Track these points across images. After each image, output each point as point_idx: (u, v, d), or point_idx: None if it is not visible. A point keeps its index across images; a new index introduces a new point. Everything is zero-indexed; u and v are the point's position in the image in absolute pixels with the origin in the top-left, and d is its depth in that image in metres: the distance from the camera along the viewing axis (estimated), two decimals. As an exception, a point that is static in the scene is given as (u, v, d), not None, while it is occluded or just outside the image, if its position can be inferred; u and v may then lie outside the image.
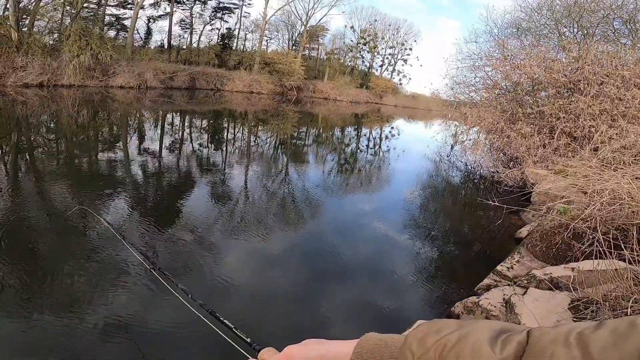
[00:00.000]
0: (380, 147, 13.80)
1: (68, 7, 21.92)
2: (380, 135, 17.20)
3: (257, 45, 32.21)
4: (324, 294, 3.51)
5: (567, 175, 5.56)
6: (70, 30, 19.52)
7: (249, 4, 33.85)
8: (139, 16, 27.17)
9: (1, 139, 8.67)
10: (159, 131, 12.09)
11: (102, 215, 4.33)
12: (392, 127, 21.16)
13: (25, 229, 4.19)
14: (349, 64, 39.39)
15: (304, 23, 34.22)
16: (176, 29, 31.75)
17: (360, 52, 39.18)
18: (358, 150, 12.47)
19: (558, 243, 3.84)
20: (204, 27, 32.61)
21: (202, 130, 13.20)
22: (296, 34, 36.53)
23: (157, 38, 31.63)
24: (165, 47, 30.67)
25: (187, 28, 32.32)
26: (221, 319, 0.68)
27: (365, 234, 5.14)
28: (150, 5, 29.36)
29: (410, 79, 42.65)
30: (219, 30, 33.42)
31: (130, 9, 27.45)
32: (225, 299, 3.18)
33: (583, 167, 5.19)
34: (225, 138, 12.10)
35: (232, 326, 0.66)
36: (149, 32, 30.74)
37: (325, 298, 3.44)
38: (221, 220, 5.00)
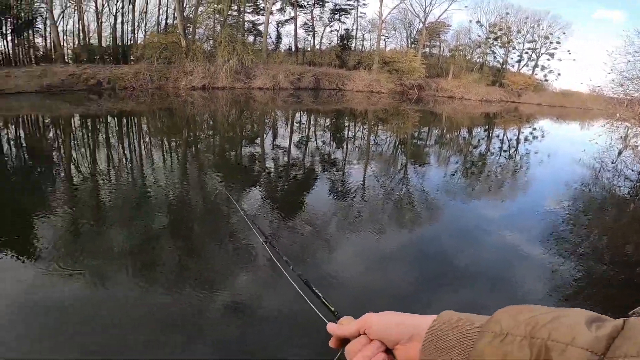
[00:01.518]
0: (517, 150, 12.04)
1: (217, 15, 26.08)
2: (518, 137, 14.99)
3: (375, 44, 32.34)
4: (431, 298, 3.36)
5: None
6: (221, 37, 23.20)
7: (364, 4, 34.19)
8: (269, 21, 30.58)
9: (177, 134, 11.07)
10: (289, 129, 13.37)
11: (235, 195, 5.18)
12: (534, 128, 18.19)
13: (180, 205, 5.29)
14: (477, 60, 35.86)
15: (422, 20, 32.66)
16: (301, 32, 34.48)
17: (490, 47, 35.28)
18: (488, 153, 11.18)
19: None
20: (324, 29, 34.58)
21: (325, 129, 14.01)
22: (414, 32, 35.29)
23: (286, 41, 35.00)
24: (293, 49, 33.80)
25: (309, 31, 34.82)
26: (313, 288, 0.73)
27: (489, 241, 4.65)
28: (277, 10, 32.70)
29: (559, 74, 36.02)
30: (338, 31, 34.97)
31: (263, 15, 31.17)
32: (327, 280, 3.35)
33: None
34: (347, 136, 12.54)
35: (321, 295, 0.70)
36: (279, 36, 34.33)
37: (432, 302, 3.28)
38: (337, 213, 5.26)
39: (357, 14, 34.22)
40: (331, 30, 34.92)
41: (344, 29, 35.15)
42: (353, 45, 35.36)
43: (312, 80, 26.80)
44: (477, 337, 0.42)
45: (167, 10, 27.88)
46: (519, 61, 36.27)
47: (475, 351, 0.41)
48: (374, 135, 13.01)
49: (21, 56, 24.22)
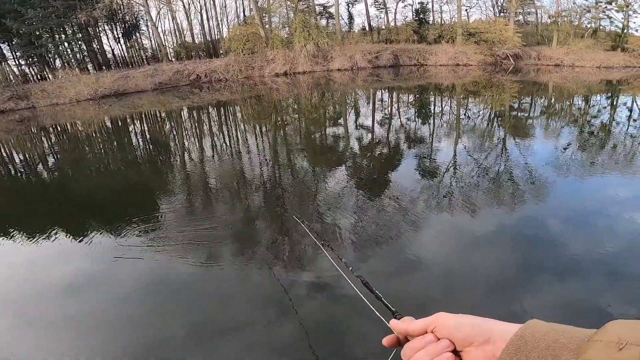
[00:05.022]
0: (651, 119, 9.99)
1: (288, 2, 26.47)
2: (653, 103, 12.38)
3: (456, 16, 29.43)
4: (530, 292, 3.04)
5: None
6: (295, 24, 23.67)
7: (438, -26, 31.13)
8: (339, 2, 29.84)
9: (266, 119, 11.85)
10: (371, 107, 13.21)
11: (312, 187, 5.35)
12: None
13: (270, 188, 5.69)
14: (588, 25, 30.20)
15: (510, -15, 28.38)
16: (372, 10, 33.04)
17: (603, 12, 29.29)
18: (612, 122, 9.49)
19: None
20: (396, 5, 32.56)
21: (409, 105, 13.47)
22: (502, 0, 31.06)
23: (358, 21, 33.97)
24: (367, 29, 32.70)
25: (381, 8, 33.17)
26: (372, 289, 0.72)
27: (611, 226, 4.02)
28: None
29: None
30: (412, 5, 32.61)
31: (334, -4, 30.60)
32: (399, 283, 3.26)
33: None
34: (433, 112, 11.89)
35: (381, 296, 0.69)
36: (350, 17, 33.54)
37: (532, 297, 2.97)
38: (423, 196, 5.08)
39: (431, -15, 31.55)
40: (405, 5, 32.94)
41: (419, 3, 32.79)
42: (431, 18, 32.88)
43: (391, 58, 25.81)
44: (586, 347, 0.40)
45: (243, 3, 29.48)
46: None
47: (584, 359, 0.39)
48: (464, 109, 12.06)
49: (134, 58, 28.34)
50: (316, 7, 30.47)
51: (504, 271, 3.37)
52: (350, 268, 0.89)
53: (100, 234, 4.43)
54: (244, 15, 29.45)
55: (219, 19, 29.62)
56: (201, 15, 29.05)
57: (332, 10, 31.16)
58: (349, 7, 33.07)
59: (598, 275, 3.24)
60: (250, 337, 2.72)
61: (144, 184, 6.56)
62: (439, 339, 0.52)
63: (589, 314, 2.74)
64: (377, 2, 33.18)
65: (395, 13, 33.45)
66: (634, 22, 30.01)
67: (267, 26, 24.97)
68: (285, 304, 3.03)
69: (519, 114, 11.10)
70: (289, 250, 3.84)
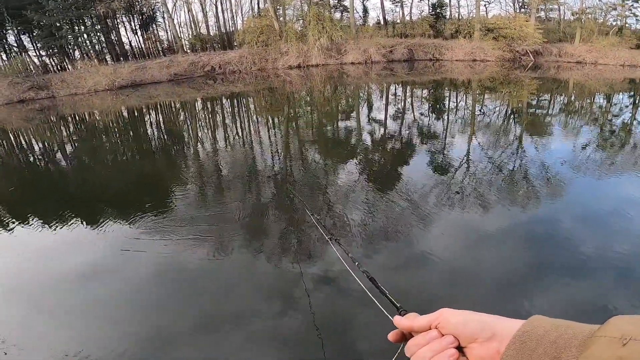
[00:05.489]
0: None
1: None
2: (677, 102, 11.90)
3: (475, 11, 28.68)
4: (539, 290, 3.00)
5: None
6: (309, 16, 23.50)
7: (456, -32, 30.32)
8: None
9: (279, 111, 11.88)
10: (384, 102, 13.08)
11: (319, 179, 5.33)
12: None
13: (280, 181, 5.71)
14: (614, 23, 29.10)
15: (533, -21, 27.40)
16: (387, 4, 32.55)
17: (629, 9, 28.14)
18: (634, 122, 9.18)
19: None
20: None
21: (422, 100, 13.29)
22: None
23: (373, 15, 33.54)
24: (381, 22, 32.25)
25: (397, 2, 32.60)
26: (378, 284, 0.71)
27: (628, 227, 3.90)
28: (359, -18, 31.17)
29: None
30: (429, 0, 31.93)
31: (347, -11, 30.13)
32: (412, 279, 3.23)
33: None
34: (447, 107, 11.70)
35: (386, 291, 0.68)
36: (365, 10, 33.08)
37: (539, 295, 2.94)
38: (430, 196, 5.00)
39: (448, -21, 30.85)
40: (420, 0, 32.29)
41: (435, -3, 32.17)
42: (447, 13, 32.20)
43: (405, 52, 25.45)
44: (590, 342, 0.40)
45: (257, -6, 29.41)
46: None
47: (587, 355, 0.39)
48: (480, 105, 11.83)
49: (151, 49, 28.69)
50: (330, 0, 30.19)
51: (513, 269, 3.33)
52: (357, 263, 0.89)
53: (113, 222, 4.55)
54: (259, 7, 29.42)
55: (234, 11, 29.71)
56: (216, 7, 29.17)
57: (346, 3, 30.82)
58: (363, 0, 32.65)
59: (608, 275, 3.18)
60: (257, 328, 2.77)
61: (156, 174, 6.70)
62: (443, 335, 0.52)
63: (594, 314, 2.70)
64: (392, -5, 32.70)
65: (411, 7, 32.92)
66: (662, 21, 28.72)
67: (281, 19, 24.88)
68: (292, 297, 3.06)
69: (536, 111, 10.83)
70: (297, 243, 3.88)
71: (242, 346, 2.62)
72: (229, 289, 3.24)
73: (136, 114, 13.12)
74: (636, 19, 29.15)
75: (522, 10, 30.47)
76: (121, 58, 24.78)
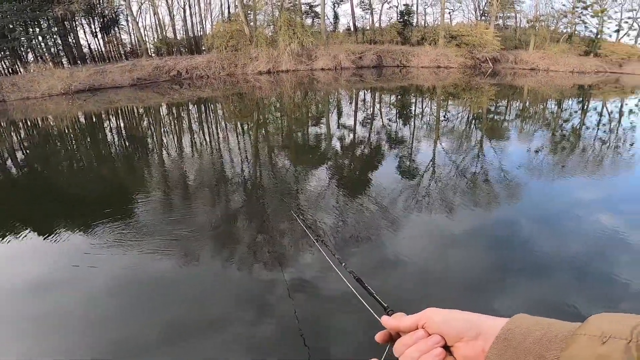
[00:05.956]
0: (619, 123, 10.45)
1: (274, 0, 26.27)
2: (621, 109, 12.96)
3: (440, 18, 30.05)
4: (502, 289, 3.14)
5: None
6: (280, 22, 23.54)
7: (424, -24, 31.81)
8: (325, 2, 29.90)
9: (247, 117, 11.72)
10: (353, 107, 13.27)
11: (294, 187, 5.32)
12: (641, 99, 15.54)
13: (249, 189, 5.63)
14: (565, 30, 31.48)
15: (493, -11, 29.24)
16: (358, 11, 33.38)
17: (579, 17, 30.63)
18: (583, 127, 9.88)
19: None
20: (382, 6, 32.96)
21: (391, 106, 13.61)
22: (483, 3, 31.96)
23: (344, 21, 34.21)
24: (352, 29, 32.94)
25: (367, 9, 33.50)
26: (365, 285, 0.72)
27: (580, 227, 4.21)
28: (333, -10, 31.73)
29: None
30: (397, 7, 33.10)
31: (318, -5, 30.56)
32: (385, 277, 3.30)
33: None
34: (413, 113, 12.05)
35: (373, 292, 0.69)
36: (336, 17, 33.68)
37: (502, 294, 3.07)
38: (399, 200, 5.12)
39: (417, -13, 32.11)
40: (390, 7, 33.38)
41: (404, 5, 33.32)
42: (415, 20, 33.45)
43: (374, 58, 26.08)
44: (570, 340, 0.41)
45: (228, 0, 29.07)
46: (617, 31, 31.09)
47: (568, 354, 0.40)
48: (444, 111, 12.29)
49: (112, 52, 27.45)
50: (302, 5, 30.35)
51: (473, 276, 3.44)
52: (344, 264, 0.88)
53: (71, 231, 4.26)
54: (229, 12, 29.01)
55: (203, 15, 29.08)
56: (184, 11, 28.45)
57: (318, 9, 31.13)
58: (334, 6, 33.13)
59: (564, 272, 3.35)
60: (240, 332, 2.69)
61: (118, 181, 6.37)
62: (430, 335, 0.52)
63: (554, 311, 2.83)
64: (362, 2, 33.41)
65: (381, 14, 33.81)
66: (608, 28, 31.32)
67: (251, 24, 24.69)
68: (278, 299, 3.01)
69: (495, 116, 11.41)
70: (278, 247, 3.81)
71: (228, 351, 2.53)
72: (205, 297, 3.12)
73: (94, 119, 12.45)
74: (585, 26, 31.61)
75: (483, 18, 32.17)
76: (79, 61, 23.51)
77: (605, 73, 26.32)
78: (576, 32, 31.74)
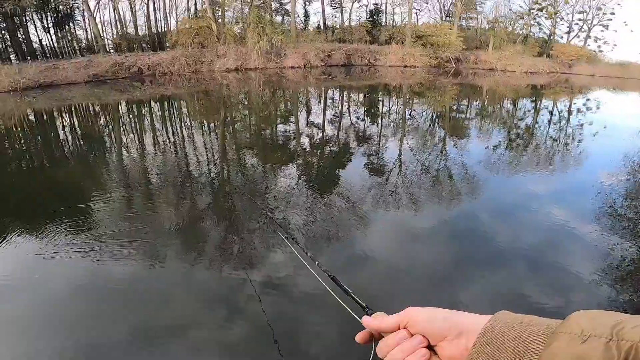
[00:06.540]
0: (568, 121, 11.23)
1: None
2: (569, 108, 13.92)
3: (407, 18, 30.90)
4: (466, 281, 3.26)
5: None
6: (249, 19, 23.18)
7: (392, -23, 32.56)
8: (296, 0, 29.83)
9: (214, 115, 11.41)
10: (322, 105, 13.30)
11: (263, 186, 5.25)
12: (588, 99, 16.77)
13: (216, 188, 5.50)
14: (521, 32, 33.46)
15: (456, -10, 30.55)
16: (328, 10, 33.56)
17: (534, 19, 32.72)
18: (535, 125, 10.52)
19: None
20: (352, 5, 33.42)
21: (359, 104, 13.78)
22: (448, 4, 33.30)
23: (314, 20, 34.29)
24: (322, 27, 33.07)
25: (337, 7, 33.78)
26: (341, 284, 0.71)
27: (533, 219, 4.44)
28: (303, -12, 31.71)
29: (615, 45, 33.12)
30: (367, 6, 33.65)
31: (289, -7, 30.41)
32: (358, 273, 3.37)
33: None
34: (381, 111, 12.28)
35: (350, 291, 0.68)
36: (306, 15, 33.70)
37: (467, 285, 3.19)
38: (367, 197, 5.17)
39: (386, -13, 32.73)
40: (360, 6, 33.80)
41: (373, 4, 33.88)
42: (383, 20, 34.09)
43: (343, 57, 26.29)
44: (551, 339, 0.41)
45: (195, -5, 28.14)
46: (568, 32, 33.42)
47: (549, 352, 0.40)
48: (410, 109, 12.63)
49: (66, 48, 25.74)
50: (272, 3, 29.99)
51: (441, 269, 3.54)
52: (317, 262, 0.85)
53: (20, 234, 3.94)
54: (196, 8, 28.06)
55: (168, 11, 27.94)
56: (147, 7, 27.15)
57: (288, 7, 30.87)
58: (305, 4, 33.03)
59: (524, 263, 3.52)
60: (209, 336, 2.59)
61: (72, 181, 5.96)
62: (412, 335, 0.51)
63: (511, 302, 2.98)
64: (333, 1, 33.54)
65: (350, 13, 34.08)
66: (560, 30, 33.58)
67: (219, 20, 24.05)
68: (248, 300, 2.90)
69: (457, 115, 11.88)
70: (250, 244, 3.71)
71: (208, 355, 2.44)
72: (172, 300, 2.96)
73: (45, 117, 11.61)
74: (539, 28, 33.64)
75: (447, 18, 33.34)
76: (28, 57, 21.82)
77: (557, 73, 28.16)
78: (531, 34, 33.74)
